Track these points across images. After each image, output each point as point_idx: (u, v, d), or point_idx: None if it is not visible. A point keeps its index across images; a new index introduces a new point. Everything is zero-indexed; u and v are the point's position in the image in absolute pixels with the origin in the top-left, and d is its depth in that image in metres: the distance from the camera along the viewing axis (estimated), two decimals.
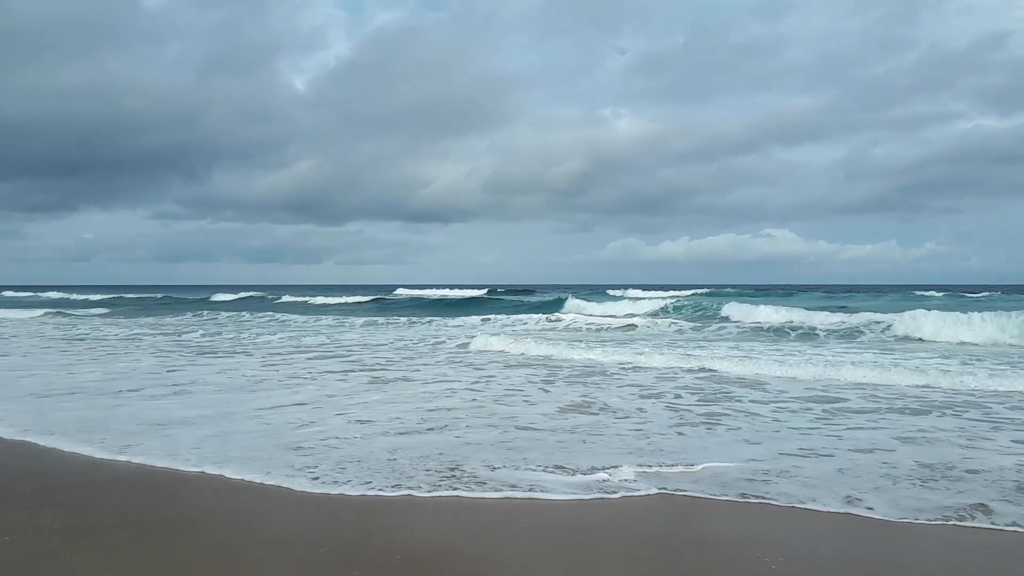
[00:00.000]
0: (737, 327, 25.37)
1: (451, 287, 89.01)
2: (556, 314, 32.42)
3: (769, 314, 27.34)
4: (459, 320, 31.50)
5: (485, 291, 70.98)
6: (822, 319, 24.72)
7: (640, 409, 9.66)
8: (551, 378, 12.82)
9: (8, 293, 74.09)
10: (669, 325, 26.64)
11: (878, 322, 22.67)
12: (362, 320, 32.22)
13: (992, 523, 5.07)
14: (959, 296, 45.31)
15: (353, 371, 13.94)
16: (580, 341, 19.62)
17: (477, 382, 12.33)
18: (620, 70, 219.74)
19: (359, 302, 48.65)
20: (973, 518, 5.14)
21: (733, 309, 29.90)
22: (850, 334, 21.88)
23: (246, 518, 5.21)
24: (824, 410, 9.61)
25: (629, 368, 14.25)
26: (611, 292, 57.57)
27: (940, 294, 48.08)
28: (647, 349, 16.56)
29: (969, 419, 8.91)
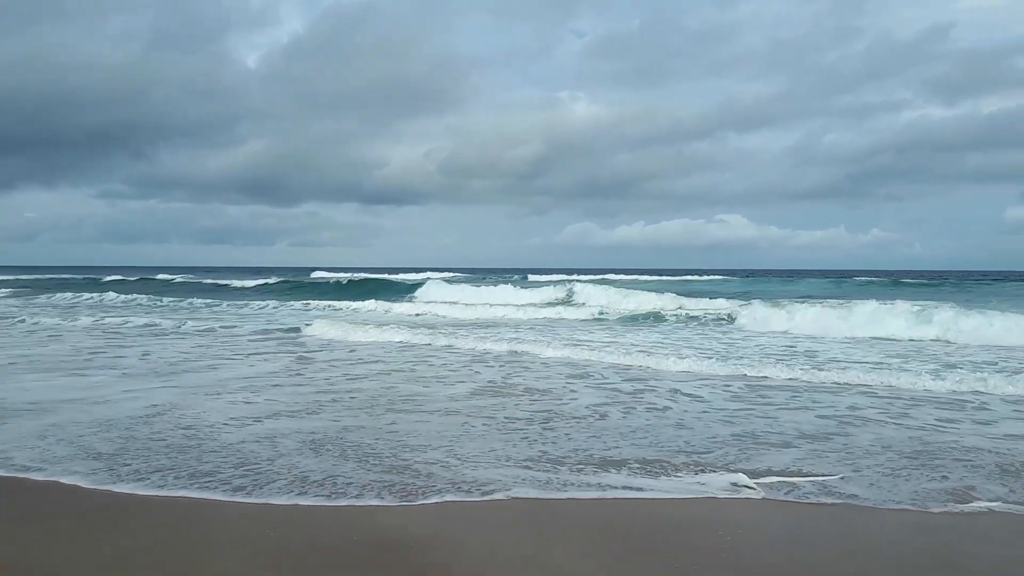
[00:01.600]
0: (601, 313, 24.72)
1: (406, 271, 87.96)
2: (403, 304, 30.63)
3: (639, 301, 27.65)
4: (343, 304, 30.39)
5: (426, 275, 69.70)
6: (679, 305, 25.81)
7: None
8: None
9: None
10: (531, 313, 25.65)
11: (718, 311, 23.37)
12: (203, 302, 31.84)
13: None
14: (899, 283, 45.27)
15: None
16: (416, 327, 19.14)
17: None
18: (578, 53, 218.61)
19: (265, 283, 47.14)
20: None
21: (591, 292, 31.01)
22: (692, 320, 22.37)
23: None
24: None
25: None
26: (533, 278, 56.51)
27: (876, 279, 48.03)
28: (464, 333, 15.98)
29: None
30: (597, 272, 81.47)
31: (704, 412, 8.62)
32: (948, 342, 16.24)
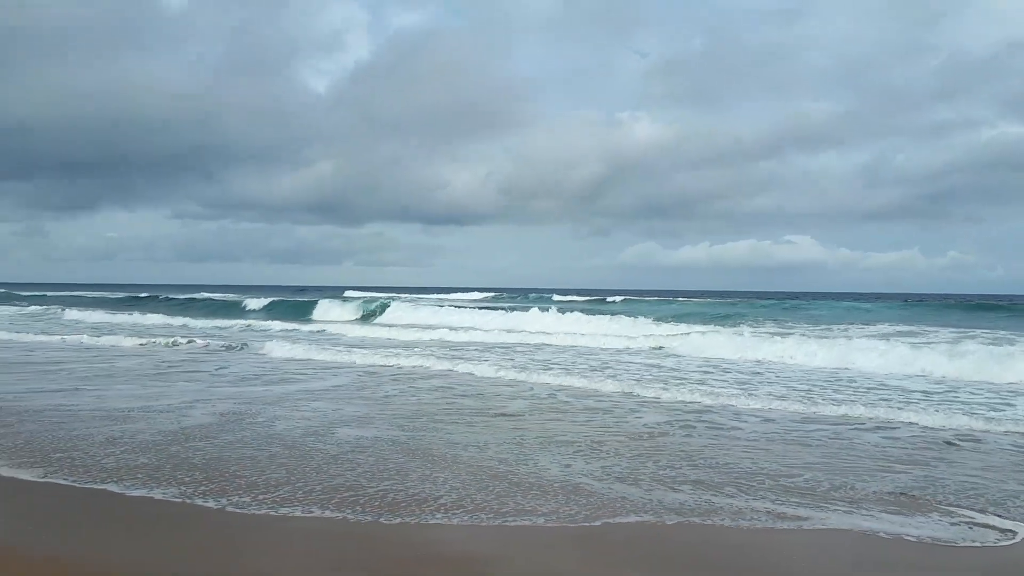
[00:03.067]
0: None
1: (464, 291, 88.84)
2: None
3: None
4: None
5: (486, 295, 70.54)
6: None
7: None
8: None
9: (26, 292, 75.90)
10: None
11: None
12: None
13: None
14: (978, 306, 42.95)
15: None
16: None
17: None
18: (639, 73, 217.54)
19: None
20: None
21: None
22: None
23: None
24: None
25: None
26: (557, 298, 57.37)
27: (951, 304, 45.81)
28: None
29: None
30: (662, 294, 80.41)
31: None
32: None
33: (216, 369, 14.49)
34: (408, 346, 19.92)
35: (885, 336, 22.08)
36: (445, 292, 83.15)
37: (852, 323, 29.48)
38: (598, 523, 5.21)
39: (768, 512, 5.50)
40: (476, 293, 79.78)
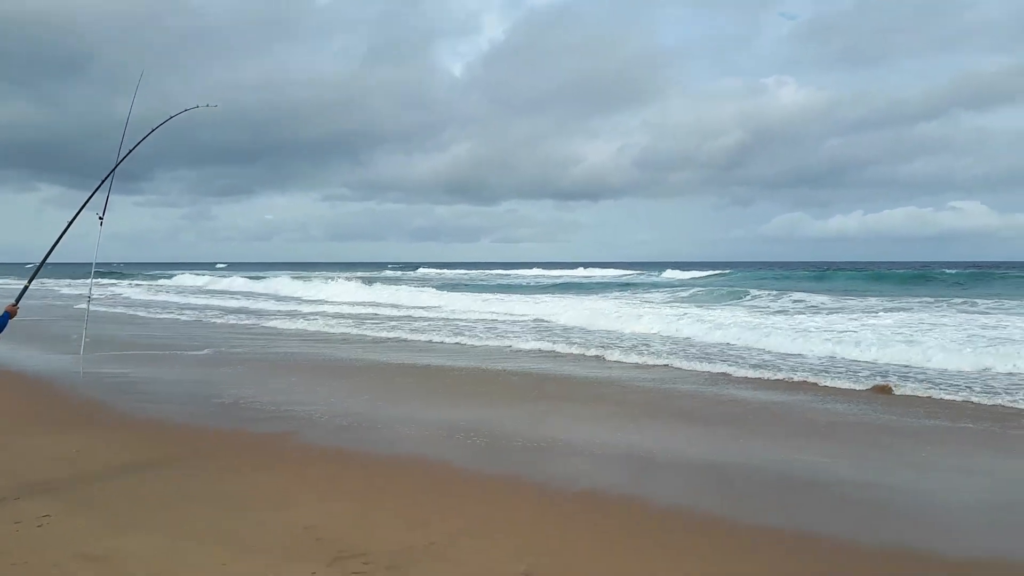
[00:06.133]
0: None
1: (597, 266, 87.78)
2: None
3: None
4: None
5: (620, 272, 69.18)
6: None
7: None
8: None
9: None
10: None
11: None
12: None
13: None
14: None
15: None
16: None
17: None
18: (785, 37, 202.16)
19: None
20: None
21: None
22: None
23: None
24: None
25: None
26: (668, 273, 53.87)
27: None
28: None
29: None
30: (813, 266, 75.16)
31: None
32: None
33: None
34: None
35: None
36: (574, 268, 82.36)
37: None
38: None
39: None
40: (612, 269, 78.78)
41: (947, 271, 48.42)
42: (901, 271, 50.99)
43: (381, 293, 31.67)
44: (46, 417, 7.73)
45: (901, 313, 20.17)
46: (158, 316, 22.84)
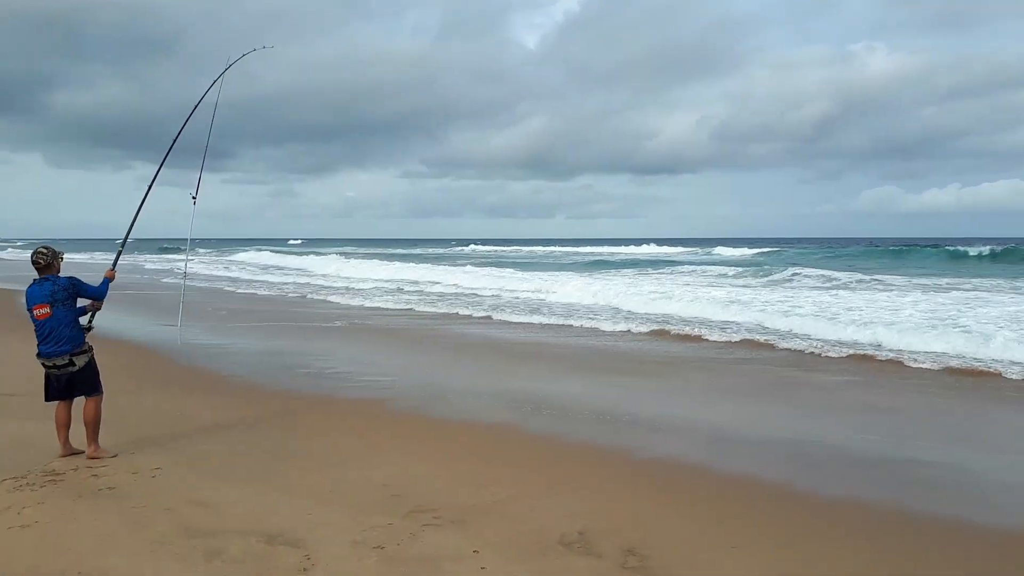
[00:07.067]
0: None
1: (686, 243, 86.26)
2: None
3: None
4: None
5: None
6: None
7: None
8: None
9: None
10: None
11: None
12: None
13: None
14: None
15: None
16: None
17: None
18: (874, 0, 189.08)
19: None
20: None
21: None
22: None
23: None
24: None
25: None
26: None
27: None
28: None
29: None
30: (900, 242, 71.40)
31: None
32: None
33: None
34: None
35: None
36: (644, 244, 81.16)
37: None
38: None
39: None
40: (678, 247, 77.11)
41: None
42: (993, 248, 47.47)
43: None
44: (150, 381, 8.49)
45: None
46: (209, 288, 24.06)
